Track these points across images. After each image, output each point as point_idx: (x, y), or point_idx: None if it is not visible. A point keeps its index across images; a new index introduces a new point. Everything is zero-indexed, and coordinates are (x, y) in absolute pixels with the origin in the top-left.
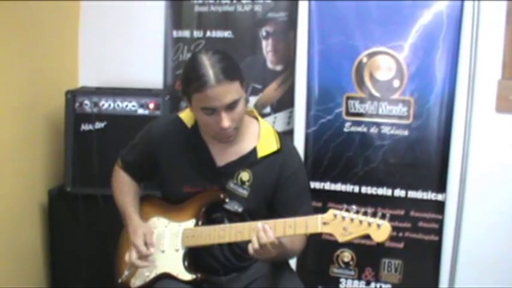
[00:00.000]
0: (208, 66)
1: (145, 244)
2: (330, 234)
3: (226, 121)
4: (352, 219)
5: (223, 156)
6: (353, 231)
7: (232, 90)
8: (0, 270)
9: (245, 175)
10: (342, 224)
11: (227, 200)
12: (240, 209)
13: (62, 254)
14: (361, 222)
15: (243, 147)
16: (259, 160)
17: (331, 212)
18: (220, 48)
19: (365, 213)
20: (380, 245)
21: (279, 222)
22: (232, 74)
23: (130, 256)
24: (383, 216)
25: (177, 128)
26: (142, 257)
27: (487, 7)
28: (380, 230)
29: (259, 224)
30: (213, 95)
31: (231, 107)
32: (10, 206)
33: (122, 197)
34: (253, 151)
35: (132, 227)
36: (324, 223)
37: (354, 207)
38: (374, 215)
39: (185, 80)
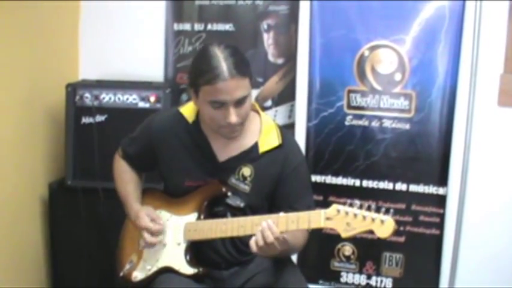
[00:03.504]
0: (222, 59)
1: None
2: (333, 229)
3: (234, 116)
4: (355, 215)
5: (225, 152)
6: (356, 226)
7: (243, 86)
8: (0, 264)
9: (247, 170)
10: (345, 219)
11: (229, 194)
12: (242, 204)
13: (63, 247)
14: (364, 217)
15: (245, 142)
16: (261, 155)
17: (334, 207)
18: (230, 43)
19: (368, 208)
20: (381, 239)
21: (282, 217)
22: (244, 70)
23: (145, 239)
24: (387, 212)
25: (178, 122)
26: (154, 233)
27: (490, 1)
28: (384, 225)
29: (264, 223)
30: (225, 89)
31: (240, 102)
32: (10, 200)
33: (123, 186)
34: (255, 146)
35: (133, 213)
36: (327, 218)
37: (358, 202)
38: (378, 210)
39: (195, 72)
